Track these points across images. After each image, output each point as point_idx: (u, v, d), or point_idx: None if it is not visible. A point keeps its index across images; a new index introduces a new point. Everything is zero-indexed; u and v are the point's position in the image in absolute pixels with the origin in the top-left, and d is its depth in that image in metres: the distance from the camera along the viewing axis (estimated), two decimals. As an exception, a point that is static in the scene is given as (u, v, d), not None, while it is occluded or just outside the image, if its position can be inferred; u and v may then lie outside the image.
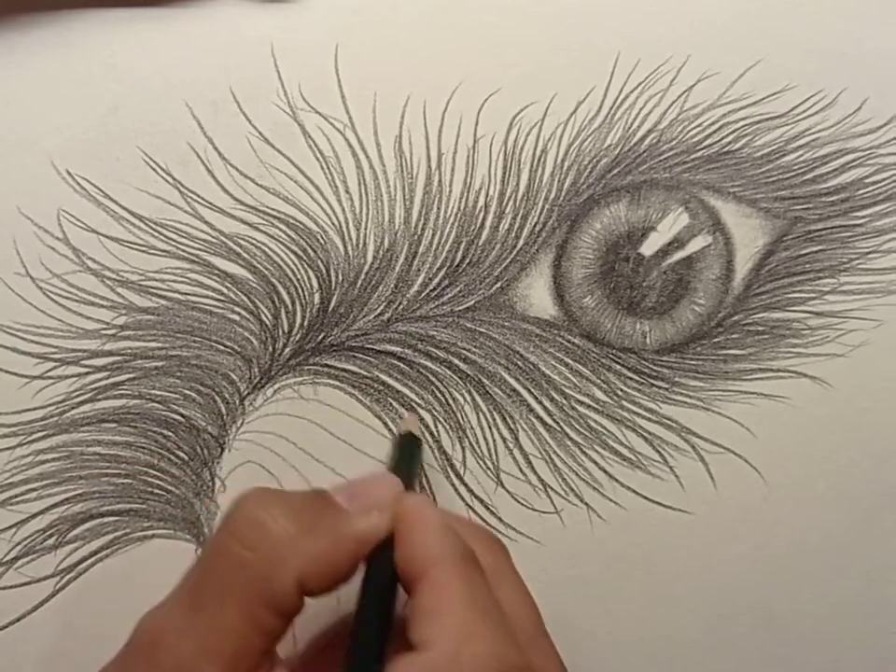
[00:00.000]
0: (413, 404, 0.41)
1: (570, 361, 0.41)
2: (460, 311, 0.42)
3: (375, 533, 0.32)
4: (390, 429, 0.41)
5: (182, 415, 0.41)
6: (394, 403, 0.41)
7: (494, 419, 0.41)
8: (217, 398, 0.41)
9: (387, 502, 0.33)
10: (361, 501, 0.33)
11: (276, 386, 0.41)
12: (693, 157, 0.42)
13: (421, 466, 0.40)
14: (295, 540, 0.31)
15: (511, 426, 0.41)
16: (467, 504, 0.41)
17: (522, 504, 0.41)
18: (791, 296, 0.42)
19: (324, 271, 0.41)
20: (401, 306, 0.41)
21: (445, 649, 0.29)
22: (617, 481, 0.41)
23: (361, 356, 0.41)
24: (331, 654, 0.38)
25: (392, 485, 0.34)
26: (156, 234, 0.41)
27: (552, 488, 0.41)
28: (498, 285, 0.41)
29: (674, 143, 0.42)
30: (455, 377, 0.41)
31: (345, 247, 0.41)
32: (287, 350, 0.41)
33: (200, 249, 0.41)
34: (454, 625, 0.30)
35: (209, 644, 0.30)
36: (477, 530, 0.36)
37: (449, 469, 0.41)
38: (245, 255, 0.41)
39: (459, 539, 0.32)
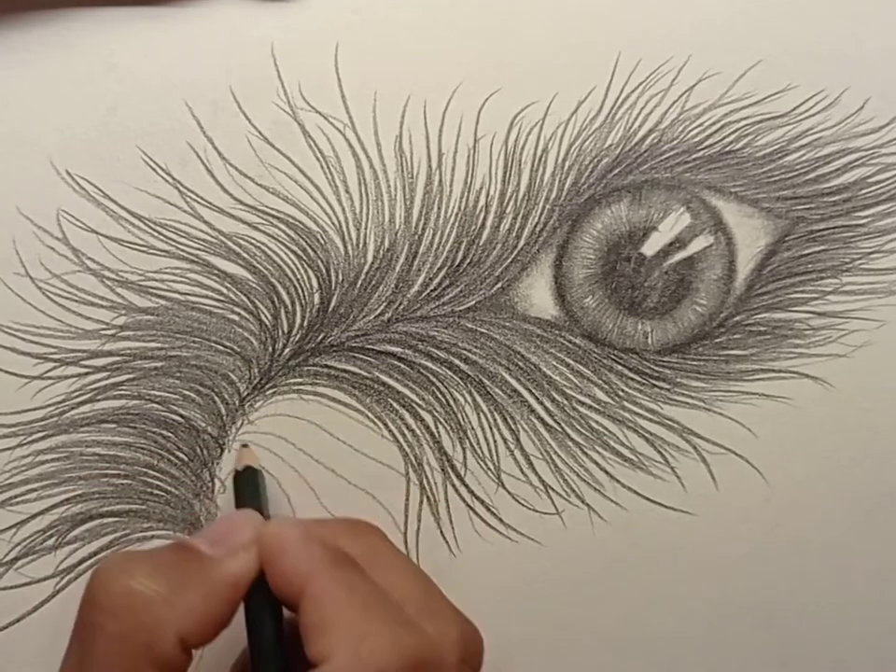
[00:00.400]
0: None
1: (571, 362, 0.41)
2: (461, 311, 0.41)
3: (247, 573, 0.32)
4: (391, 430, 0.41)
5: (182, 416, 0.41)
6: (394, 404, 0.41)
7: (495, 420, 0.41)
8: (216, 398, 0.41)
9: (251, 538, 0.33)
10: (225, 544, 0.33)
11: (276, 387, 0.41)
12: (694, 157, 0.42)
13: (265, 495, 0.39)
14: (168, 600, 0.31)
15: (512, 426, 0.41)
16: (468, 505, 0.41)
17: (523, 505, 0.41)
18: (793, 296, 0.42)
19: (324, 271, 0.41)
20: (402, 306, 0.41)
21: (343, 656, 0.30)
22: (618, 481, 0.41)
23: (361, 356, 0.41)
24: None
25: (251, 520, 0.34)
26: (155, 234, 0.41)
27: (553, 489, 0.41)
28: (499, 285, 0.41)
29: (675, 143, 0.42)
30: (455, 378, 0.41)
31: (345, 247, 0.41)
32: (286, 350, 0.41)
33: (199, 249, 0.41)
34: (344, 632, 0.30)
35: None
36: (343, 524, 0.36)
37: (450, 470, 0.41)
38: (245, 255, 0.41)
39: (322, 546, 0.33)
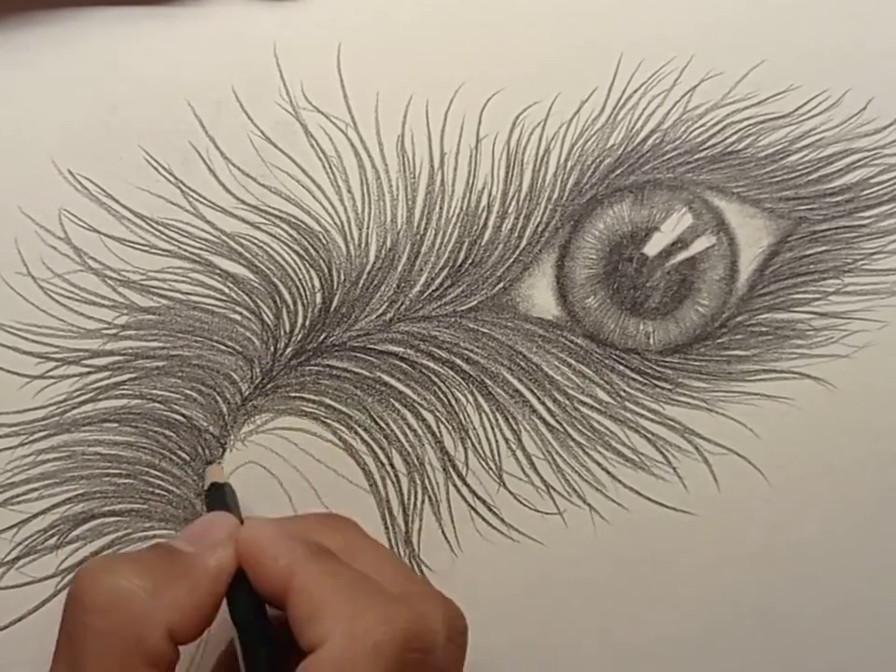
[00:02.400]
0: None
1: (573, 362, 0.41)
2: (463, 311, 0.41)
3: (227, 566, 0.33)
4: (392, 430, 0.41)
5: (183, 415, 0.41)
6: (396, 404, 0.41)
7: (496, 420, 0.41)
8: (218, 398, 0.41)
9: (227, 534, 0.34)
10: (204, 541, 0.34)
11: (278, 388, 0.41)
12: (696, 157, 0.42)
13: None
14: (153, 594, 0.31)
15: (514, 426, 0.41)
16: (469, 505, 0.41)
17: (524, 505, 0.41)
18: (795, 297, 0.42)
19: (326, 270, 0.41)
20: (403, 306, 0.41)
21: (338, 638, 0.30)
22: (620, 482, 0.41)
23: (363, 356, 0.41)
24: None
25: (224, 518, 0.35)
26: (157, 234, 0.41)
27: (554, 489, 0.41)
28: (501, 285, 0.41)
29: (677, 143, 0.42)
30: (457, 378, 0.41)
31: (347, 247, 0.41)
32: (288, 350, 0.41)
33: (201, 249, 0.41)
34: (335, 615, 0.31)
35: None
36: (318, 519, 0.37)
37: (451, 470, 0.41)
38: (247, 254, 0.41)
39: (300, 541, 0.33)
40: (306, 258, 0.41)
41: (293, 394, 0.41)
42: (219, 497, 0.38)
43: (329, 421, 0.41)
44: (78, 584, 0.32)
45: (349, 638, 0.30)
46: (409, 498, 0.41)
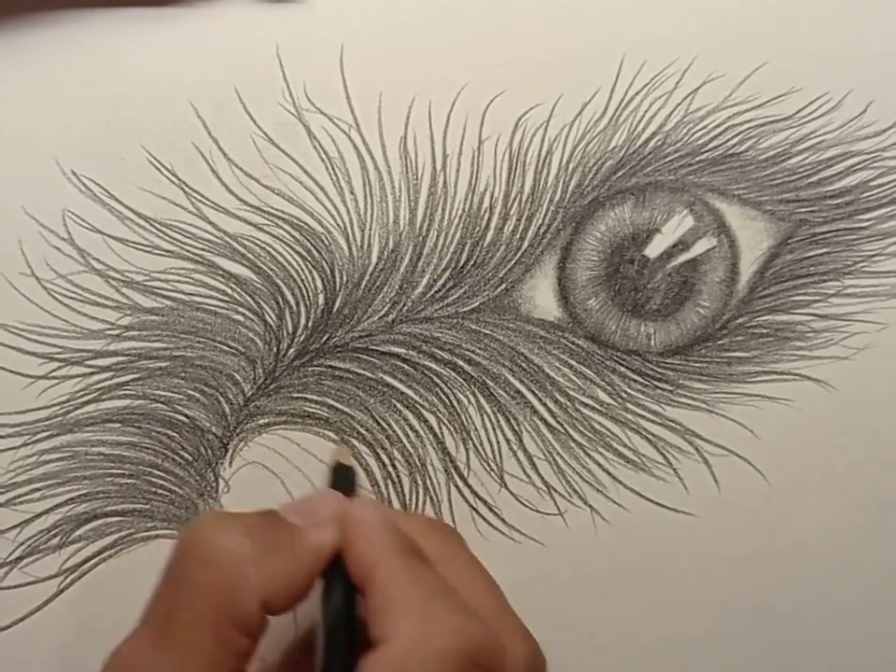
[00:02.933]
0: (345, 437, 0.41)
1: (574, 363, 0.41)
2: (465, 312, 0.42)
3: (330, 545, 0.33)
4: (394, 431, 0.41)
5: (186, 416, 0.41)
6: (398, 405, 0.41)
7: (498, 421, 0.41)
8: (221, 398, 0.41)
9: (335, 514, 0.34)
10: (312, 517, 0.34)
11: (280, 389, 0.41)
12: (698, 159, 0.42)
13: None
14: (255, 560, 0.32)
15: (515, 427, 0.41)
16: (470, 505, 0.41)
17: (525, 506, 0.41)
18: (795, 299, 0.42)
19: (328, 272, 0.41)
20: (406, 307, 0.41)
21: (406, 637, 0.30)
22: (620, 483, 0.41)
23: (365, 357, 0.41)
24: (300, 669, 0.38)
25: (336, 498, 0.35)
26: (161, 235, 0.41)
27: (555, 490, 0.41)
28: (503, 286, 0.41)
29: (679, 145, 0.42)
30: (459, 379, 0.41)
31: (350, 248, 0.41)
32: (291, 351, 0.41)
33: (204, 250, 0.41)
34: (408, 614, 0.31)
35: None
36: (428, 523, 0.36)
37: (453, 471, 0.41)
38: (250, 255, 0.41)
39: (399, 535, 0.33)
40: (309, 259, 0.41)
41: (295, 395, 0.41)
42: (344, 478, 0.38)
43: (331, 422, 0.41)
44: (187, 536, 0.32)
45: (415, 640, 0.30)
46: (410, 499, 0.41)
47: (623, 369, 0.42)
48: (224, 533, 0.32)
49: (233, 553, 0.32)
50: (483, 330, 0.42)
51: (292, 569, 0.32)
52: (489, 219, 0.41)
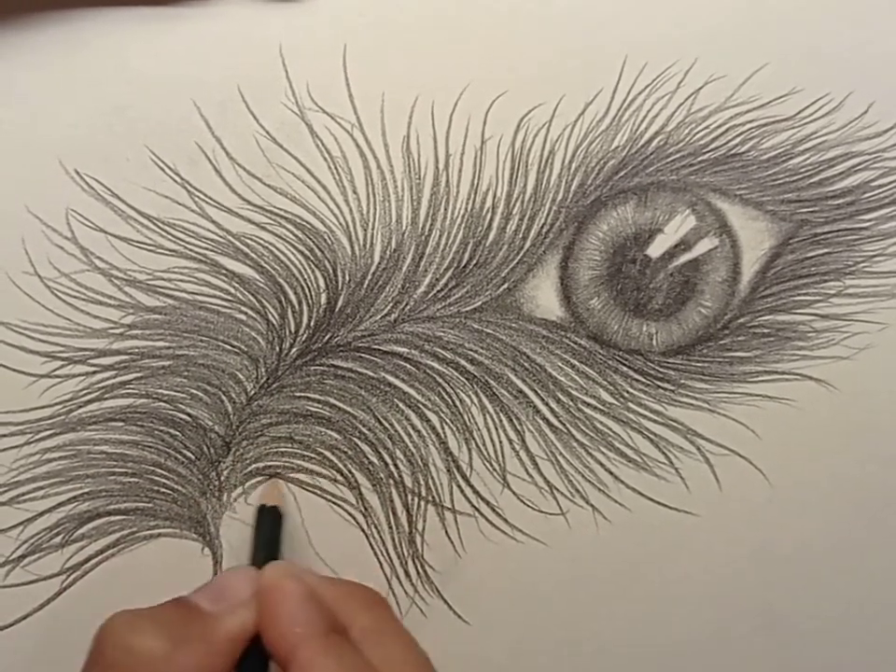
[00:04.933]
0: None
1: (577, 363, 0.41)
2: (467, 312, 0.42)
3: (246, 630, 0.33)
4: (396, 431, 0.41)
5: (189, 415, 0.41)
6: (400, 405, 0.41)
7: (500, 421, 0.41)
8: (223, 397, 0.41)
9: (249, 595, 0.33)
10: (225, 600, 0.34)
11: (283, 388, 0.41)
12: (700, 159, 0.42)
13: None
14: (168, 658, 0.31)
15: (518, 427, 0.41)
16: (473, 506, 0.41)
17: (528, 506, 0.41)
18: (796, 299, 0.42)
19: (331, 271, 0.41)
20: (408, 307, 0.42)
21: None
22: (622, 482, 0.41)
23: (368, 356, 0.41)
24: None
25: (249, 575, 0.35)
26: (164, 234, 0.41)
27: (557, 490, 0.41)
28: (505, 286, 0.42)
29: (681, 145, 0.42)
30: (461, 378, 0.41)
31: (352, 247, 0.41)
32: (293, 350, 0.41)
33: (207, 249, 0.41)
34: None
35: None
36: (351, 590, 0.35)
37: (455, 471, 0.41)
38: (253, 255, 0.41)
39: (320, 612, 0.33)
40: (311, 258, 0.41)
41: (298, 394, 0.41)
42: (268, 524, 0.38)
43: (333, 421, 0.41)
44: (100, 637, 0.33)
45: None
46: (413, 499, 0.41)
47: (625, 368, 0.42)
48: (136, 633, 0.32)
49: (146, 653, 0.31)
50: (485, 330, 0.42)
51: (208, 659, 0.32)
52: (492, 219, 0.41)
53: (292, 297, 0.41)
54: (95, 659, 0.32)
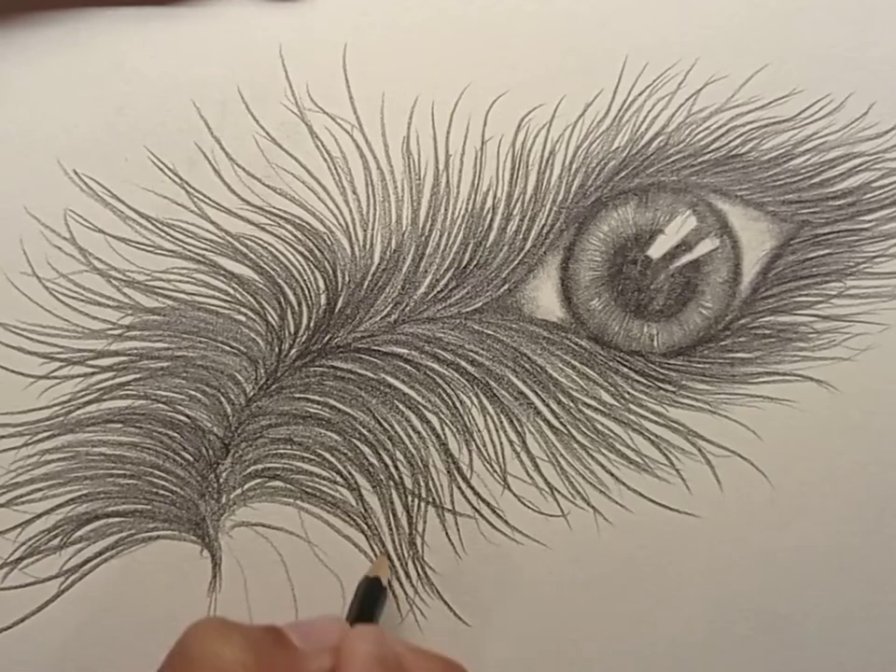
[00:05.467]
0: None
1: (577, 364, 0.41)
2: (467, 313, 0.41)
3: None
4: (396, 432, 0.41)
5: (188, 416, 0.41)
6: (400, 406, 0.41)
7: (501, 422, 0.41)
8: (222, 399, 0.41)
9: (335, 642, 0.34)
10: (313, 641, 0.34)
11: (282, 389, 0.41)
12: (700, 160, 0.42)
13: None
14: None
15: (518, 428, 0.41)
16: (473, 507, 0.41)
17: (528, 507, 0.41)
18: (797, 299, 0.42)
19: (330, 272, 0.41)
20: (408, 308, 0.41)
21: None
22: (623, 484, 0.41)
23: (367, 357, 0.41)
24: None
25: (339, 625, 0.35)
26: (163, 234, 0.41)
27: (558, 491, 0.41)
28: (506, 287, 0.41)
29: (682, 146, 0.42)
30: (462, 379, 0.41)
31: (352, 248, 0.41)
32: (293, 351, 0.41)
33: (206, 249, 0.41)
34: None
35: None
36: (433, 663, 0.35)
37: (456, 473, 0.41)
38: (252, 255, 0.41)
39: None
40: (311, 259, 0.41)
41: (297, 395, 0.41)
42: (370, 595, 0.38)
43: (333, 422, 0.41)
44: (190, 637, 0.32)
45: None
46: (413, 500, 0.41)
47: (625, 369, 0.41)
48: (227, 643, 0.32)
49: (233, 664, 0.31)
50: (485, 331, 0.41)
51: None
52: (492, 219, 0.41)
53: (292, 298, 0.41)
54: (181, 658, 0.32)
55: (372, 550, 0.41)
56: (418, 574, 0.41)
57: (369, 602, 0.38)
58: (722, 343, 0.42)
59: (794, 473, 0.42)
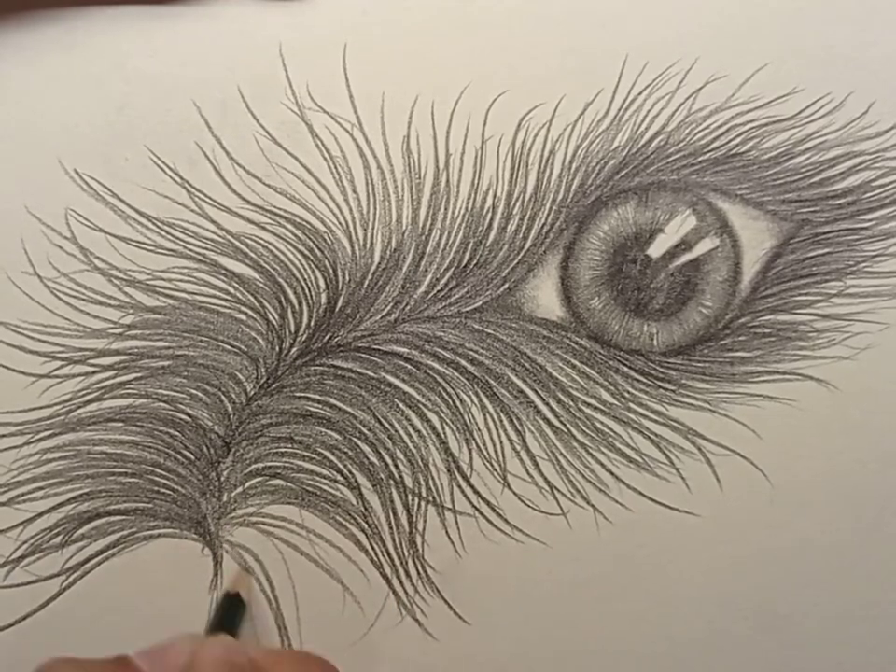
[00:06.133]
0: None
1: (577, 363, 0.41)
2: (467, 312, 0.42)
3: None
4: (397, 431, 0.41)
5: (189, 415, 0.41)
6: (400, 405, 0.41)
7: (501, 421, 0.41)
8: (223, 397, 0.41)
9: (186, 662, 0.33)
10: (165, 663, 0.34)
11: (283, 388, 0.41)
12: (700, 159, 0.42)
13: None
14: None
15: (518, 427, 0.41)
16: (473, 506, 0.41)
17: (528, 506, 0.41)
18: (797, 299, 0.42)
19: (331, 271, 0.41)
20: (408, 307, 0.41)
21: None
22: (623, 482, 0.41)
23: (368, 356, 0.41)
24: None
25: (191, 644, 0.34)
26: (163, 234, 0.41)
27: (558, 490, 0.41)
28: (506, 286, 0.41)
29: (682, 145, 0.42)
30: (462, 378, 0.41)
31: (352, 247, 0.41)
32: (293, 350, 0.41)
33: (207, 249, 0.41)
34: None
35: None
36: (286, 661, 0.35)
37: (456, 471, 0.41)
38: (252, 254, 0.41)
39: None
40: (311, 258, 0.41)
41: (298, 394, 0.41)
42: (229, 610, 0.38)
43: (333, 421, 0.41)
44: None
45: None
46: (413, 499, 0.41)
47: (625, 368, 0.42)
48: None
49: None
50: (485, 330, 0.42)
51: None
52: (492, 219, 0.41)
53: (292, 297, 0.41)
54: None
55: (373, 548, 0.41)
56: (418, 573, 0.41)
57: (229, 616, 0.38)
58: (722, 341, 0.42)
59: (794, 472, 0.42)
